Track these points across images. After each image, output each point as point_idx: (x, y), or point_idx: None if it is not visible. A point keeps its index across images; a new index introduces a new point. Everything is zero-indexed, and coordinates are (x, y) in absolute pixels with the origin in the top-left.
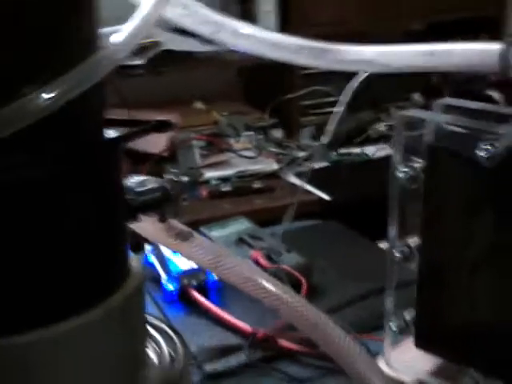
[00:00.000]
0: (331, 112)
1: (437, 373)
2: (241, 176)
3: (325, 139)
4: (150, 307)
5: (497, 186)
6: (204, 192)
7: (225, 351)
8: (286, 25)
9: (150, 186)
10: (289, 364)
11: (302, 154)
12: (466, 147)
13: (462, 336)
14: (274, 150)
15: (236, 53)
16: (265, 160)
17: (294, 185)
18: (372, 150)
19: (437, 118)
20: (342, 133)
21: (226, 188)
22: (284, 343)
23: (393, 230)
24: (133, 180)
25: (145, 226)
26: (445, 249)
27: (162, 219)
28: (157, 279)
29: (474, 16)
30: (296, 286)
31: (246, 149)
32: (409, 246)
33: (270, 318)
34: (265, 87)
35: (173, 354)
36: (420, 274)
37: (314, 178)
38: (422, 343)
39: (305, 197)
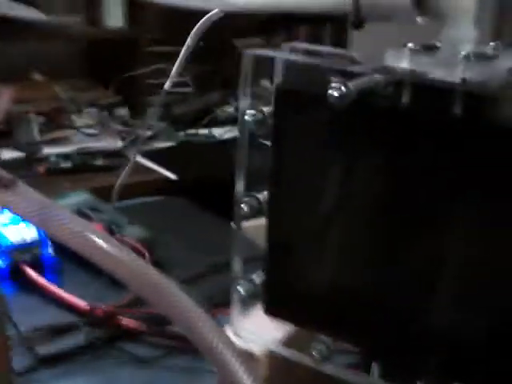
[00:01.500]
0: (179, 92)
1: (287, 342)
2: (82, 153)
3: (167, 85)
4: None
5: (347, 131)
6: (41, 169)
7: (60, 331)
8: None
9: None
10: (131, 343)
11: (147, 132)
12: (316, 88)
13: (311, 300)
14: (118, 127)
15: (80, 25)
16: (108, 138)
17: (138, 163)
18: (219, 132)
19: (287, 56)
20: (190, 113)
21: (65, 165)
22: (126, 321)
23: (240, 183)
24: None
25: None
26: (294, 202)
27: None
28: None
29: None
30: None
31: (89, 126)
32: (257, 199)
33: (111, 295)
34: (110, 63)
35: None
36: (268, 232)
37: (160, 157)
38: (271, 309)
39: (150, 176)
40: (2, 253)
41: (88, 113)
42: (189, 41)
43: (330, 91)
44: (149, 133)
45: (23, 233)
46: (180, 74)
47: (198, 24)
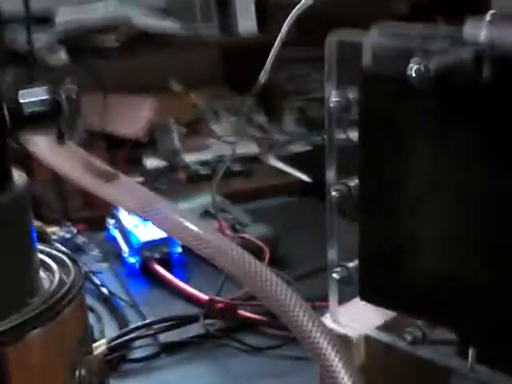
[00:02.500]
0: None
1: (384, 327)
2: (221, 160)
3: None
4: (112, 283)
5: (431, 112)
6: (182, 175)
7: (182, 322)
8: None
9: (37, 98)
10: (248, 334)
11: (284, 137)
12: (399, 70)
13: (406, 285)
14: (256, 133)
15: (214, 33)
16: (246, 144)
17: (274, 168)
18: (356, 135)
19: (370, 41)
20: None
21: (204, 171)
22: (243, 313)
23: (331, 170)
24: (21, 91)
25: (60, 160)
26: (385, 188)
27: (60, 140)
28: (120, 254)
29: None
30: (259, 256)
31: (227, 133)
32: (347, 186)
33: (233, 289)
34: (247, 70)
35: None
36: (361, 218)
37: (296, 161)
38: (367, 295)
39: (285, 179)
40: (134, 251)
41: (226, 120)
42: (282, 33)
43: (409, 72)
44: (285, 138)
45: (153, 232)
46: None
47: (290, 15)
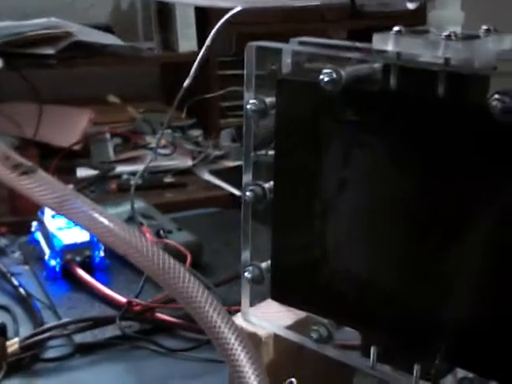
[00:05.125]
0: None
1: (292, 326)
2: (154, 171)
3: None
4: (31, 285)
5: (343, 117)
6: (113, 185)
7: (98, 323)
8: None
9: None
10: (165, 337)
11: (218, 152)
12: (313, 76)
13: (316, 286)
14: (189, 147)
15: (153, 50)
16: (179, 157)
17: (206, 181)
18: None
19: (289, 47)
20: (263, 134)
21: (138, 182)
22: (160, 316)
23: (247, 172)
24: None
25: None
26: (298, 189)
27: None
28: (42, 257)
29: None
30: (181, 262)
31: (163, 146)
32: (262, 187)
33: (151, 293)
34: (181, 86)
35: None
36: (274, 219)
37: (228, 175)
38: (277, 294)
39: (217, 192)
40: (56, 254)
41: (162, 134)
42: (208, 40)
43: (321, 77)
44: (219, 152)
45: (76, 236)
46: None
47: (219, 23)
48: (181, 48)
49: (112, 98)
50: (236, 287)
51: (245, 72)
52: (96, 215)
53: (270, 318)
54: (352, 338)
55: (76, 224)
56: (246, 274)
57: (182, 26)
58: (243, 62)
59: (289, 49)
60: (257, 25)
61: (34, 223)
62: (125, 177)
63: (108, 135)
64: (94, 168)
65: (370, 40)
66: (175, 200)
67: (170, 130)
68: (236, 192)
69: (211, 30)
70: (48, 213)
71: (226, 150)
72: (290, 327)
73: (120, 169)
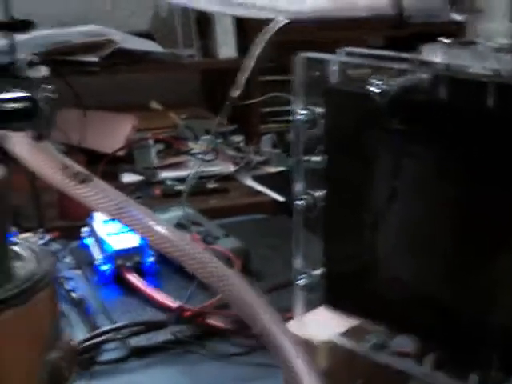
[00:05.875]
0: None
1: (346, 333)
2: (197, 177)
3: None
4: (84, 289)
5: (392, 127)
6: (157, 191)
7: (150, 327)
8: None
9: (15, 95)
10: (216, 342)
11: (259, 158)
12: (362, 87)
13: (370, 294)
14: (231, 153)
15: (194, 56)
16: (222, 163)
17: (249, 187)
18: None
19: (338, 58)
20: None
21: (179, 187)
22: (211, 321)
23: (298, 181)
24: None
25: (35, 159)
26: (349, 198)
27: (37, 137)
28: (92, 262)
29: None
30: None
31: (204, 152)
32: (313, 196)
33: (203, 298)
34: (225, 93)
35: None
36: (325, 227)
37: (270, 181)
38: (331, 302)
39: (260, 198)
40: (107, 259)
41: (204, 140)
42: (253, 50)
43: (371, 88)
44: (261, 158)
45: (126, 241)
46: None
47: (262, 33)
48: (220, 54)
49: (154, 105)
50: (285, 294)
51: (293, 82)
52: (151, 223)
53: (323, 325)
54: (406, 345)
55: (131, 230)
56: (299, 281)
57: (221, 32)
58: (282, 68)
59: (337, 60)
60: (293, 32)
61: (85, 229)
62: (169, 182)
63: (151, 141)
64: (139, 173)
65: (409, 48)
66: (219, 206)
67: (211, 136)
68: (279, 198)
69: (249, 36)
70: (98, 218)
71: (266, 155)
72: (344, 334)
73: (163, 174)
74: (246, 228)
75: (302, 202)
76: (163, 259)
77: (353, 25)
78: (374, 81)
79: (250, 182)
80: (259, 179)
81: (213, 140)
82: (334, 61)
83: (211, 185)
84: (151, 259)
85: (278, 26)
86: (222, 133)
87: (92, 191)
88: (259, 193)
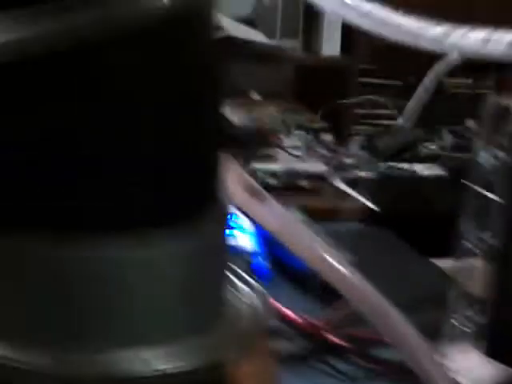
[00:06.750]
0: (383, 124)
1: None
2: (288, 173)
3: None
4: None
5: None
6: None
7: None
8: None
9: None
10: (334, 359)
11: (350, 160)
12: None
13: None
14: (322, 151)
15: (297, 50)
16: (312, 161)
17: (340, 189)
18: (420, 168)
19: None
20: (393, 146)
21: (272, 182)
22: (332, 338)
23: (466, 220)
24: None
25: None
26: None
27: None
28: None
29: None
30: None
31: (295, 147)
32: (480, 238)
33: (315, 311)
34: (319, 89)
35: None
36: (496, 275)
37: (361, 186)
38: (493, 351)
39: (350, 203)
40: None
41: (296, 135)
42: (426, 81)
43: None
44: (351, 161)
45: (240, 240)
46: (386, 106)
47: (435, 67)
48: (324, 51)
49: (254, 96)
50: None
51: (482, 125)
52: (316, 246)
53: (474, 368)
54: None
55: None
56: (454, 321)
57: (328, 28)
58: (380, 70)
59: None
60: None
61: None
62: (260, 174)
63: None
64: None
65: None
66: (310, 206)
67: (303, 132)
68: (371, 205)
69: (355, 35)
70: None
71: (355, 158)
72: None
73: (254, 165)
74: (347, 238)
75: (467, 243)
76: (277, 264)
77: None
78: None
79: (339, 185)
80: (348, 183)
81: (305, 136)
82: None
83: (302, 183)
84: (263, 263)
85: (451, 63)
86: (313, 129)
87: (266, 210)
88: (349, 197)
